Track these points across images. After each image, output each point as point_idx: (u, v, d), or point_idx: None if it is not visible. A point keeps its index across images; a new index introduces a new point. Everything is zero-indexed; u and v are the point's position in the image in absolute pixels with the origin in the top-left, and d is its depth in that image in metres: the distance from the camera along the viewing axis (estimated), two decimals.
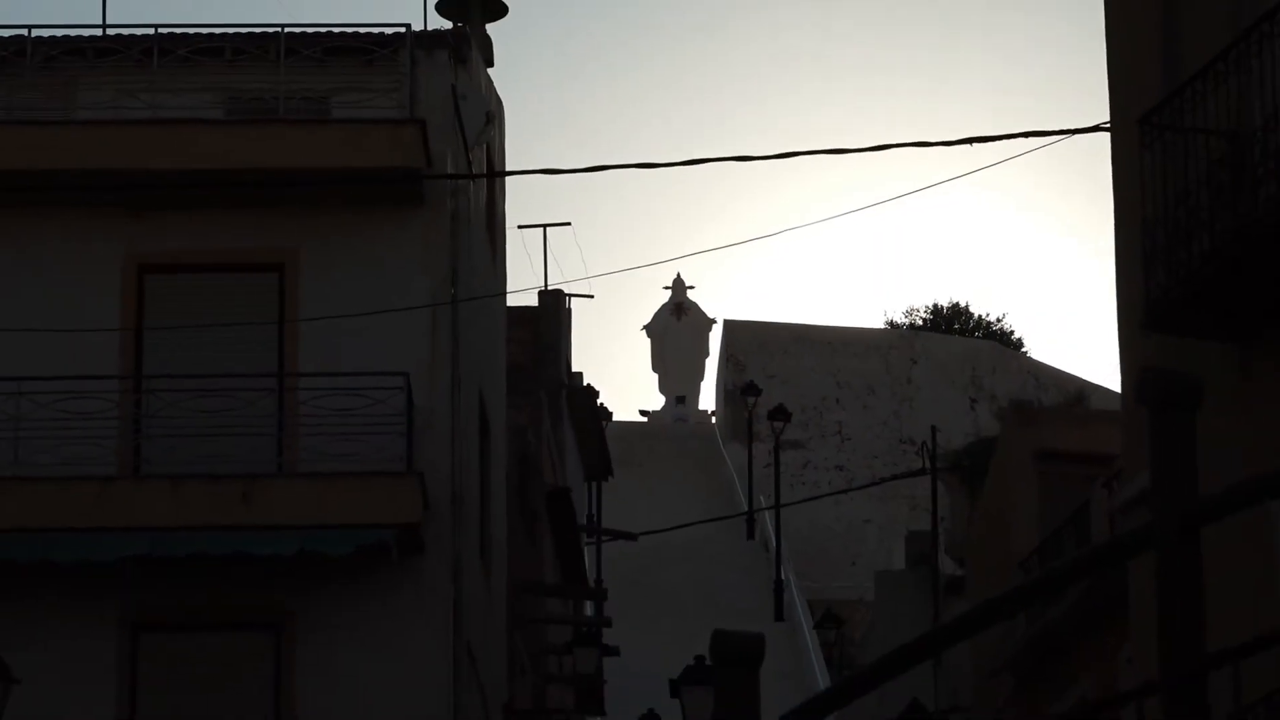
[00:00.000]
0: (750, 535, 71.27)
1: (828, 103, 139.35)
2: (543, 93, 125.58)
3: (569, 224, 75.88)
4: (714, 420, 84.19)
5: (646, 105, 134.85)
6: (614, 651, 49.17)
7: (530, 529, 48.08)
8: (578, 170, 35.80)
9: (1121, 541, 8.74)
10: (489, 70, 41.63)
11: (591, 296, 64.03)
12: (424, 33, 37.95)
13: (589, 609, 51.41)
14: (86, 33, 37.84)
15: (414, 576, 34.72)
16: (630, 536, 56.00)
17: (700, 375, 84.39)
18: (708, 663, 10.85)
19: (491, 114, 41.55)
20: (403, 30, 37.35)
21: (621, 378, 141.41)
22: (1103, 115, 26.02)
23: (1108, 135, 25.56)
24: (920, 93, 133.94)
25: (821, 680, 57.32)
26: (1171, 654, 6.20)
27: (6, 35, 37.65)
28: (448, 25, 38.35)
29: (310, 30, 37.79)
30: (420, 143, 35.80)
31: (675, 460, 74.71)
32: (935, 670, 45.45)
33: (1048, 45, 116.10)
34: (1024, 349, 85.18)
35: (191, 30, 38.16)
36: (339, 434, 34.70)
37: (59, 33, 37.92)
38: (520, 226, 70.40)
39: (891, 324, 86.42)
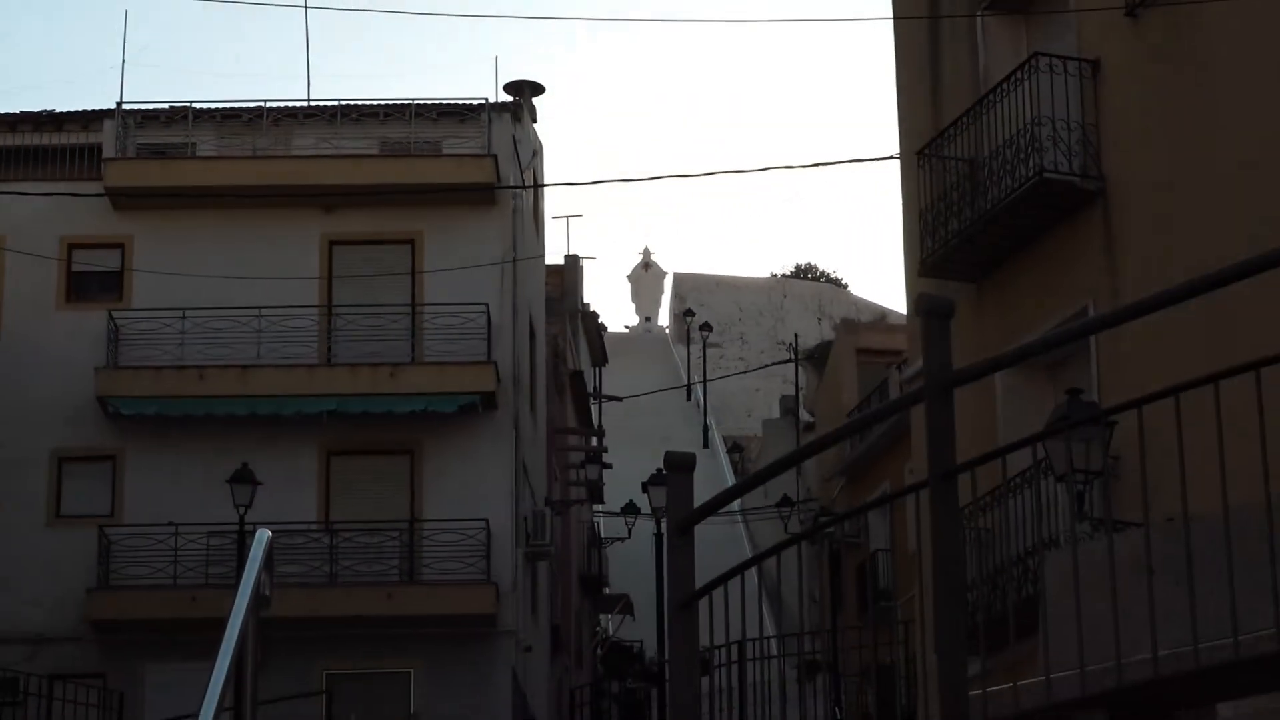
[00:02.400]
0: (688, 399, 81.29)
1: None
2: (569, 137, 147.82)
3: (581, 215, 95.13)
4: (667, 331, 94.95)
5: (631, 151, 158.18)
6: (608, 466, 54.44)
7: (559, 394, 51.75)
8: (587, 183, 42.26)
9: (905, 399, 11.73)
10: (534, 124, 45.53)
11: (594, 258, 75.00)
12: (497, 103, 43.30)
13: (594, 441, 56.12)
14: (296, 104, 43.91)
15: (491, 423, 40.83)
16: (618, 399, 63.50)
17: (659, 305, 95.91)
18: (663, 471, 9.99)
19: (535, 151, 46.43)
20: (484, 101, 43.20)
21: (613, 306, 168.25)
22: (895, 148, 29.12)
23: (898, 161, 28.78)
24: (796, 126, 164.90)
25: (729, 482, 63.13)
26: (933, 465, 7.28)
27: (252, 105, 43.51)
28: (509, 98, 44.08)
29: (430, 101, 43.91)
30: (494, 168, 41.20)
31: (644, 355, 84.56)
32: (797, 476, 50.64)
33: (872, 99, 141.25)
34: (847, 287, 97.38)
35: (360, 101, 43.95)
36: (448, 338, 40.67)
37: (283, 104, 44.03)
38: (554, 217, 74.31)
39: (772, 274, 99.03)
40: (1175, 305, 6.83)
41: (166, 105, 43.79)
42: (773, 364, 77.89)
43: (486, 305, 41.21)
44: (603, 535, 59.38)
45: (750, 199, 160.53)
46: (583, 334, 61.63)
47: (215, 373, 40.18)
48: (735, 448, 75.32)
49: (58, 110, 43.20)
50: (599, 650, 57.57)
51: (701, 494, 8.69)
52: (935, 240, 26.00)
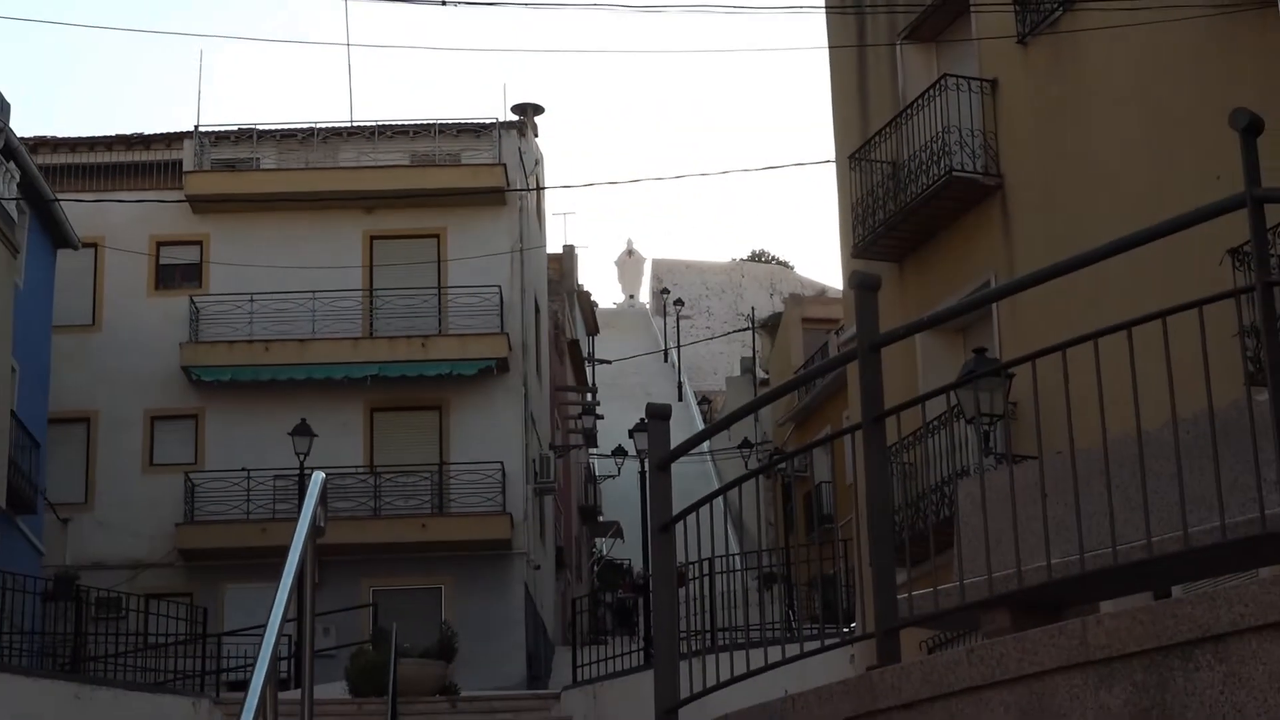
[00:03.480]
0: (665, 361, 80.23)
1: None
2: (565, 145, 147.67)
3: (575, 212, 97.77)
4: (647, 306, 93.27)
5: (616, 156, 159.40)
6: (600, 416, 54.61)
7: (560, 358, 51.50)
8: (580, 186, 41.73)
9: (842, 357, 12.34)
10: (536, 138, 44.96)
11: (587, 247, 75.77)
12: (505, 122, 43.40)
13: (589, 397, 55.74)
14: (341, 125, 43.92)
15: (505, 383, 40.80)
16: (608, 362, 63.10)
17: (640, 284, 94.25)
18: (646, 419, 8.60)
19: (537, 160, 45.78)
20: (495, 120, 43.28)
21: (602, 286, 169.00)
22: (832, 153, 28.45)
23: (834, 164, 28.18)
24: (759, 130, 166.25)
25: (700, 428, 58.89)
26: (865, 411, 7.26)
27: (304, 126, 43.49)
28: (515, 117, 44.19)
29: (450, 121, 43.83)
30: (503, 175, 41.20)
31: (628, 326, 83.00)
32: (755, 422, 50.51)
33: (813, 110, 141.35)
34: (794, 268, 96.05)
35: (392, 121, 43.88)
36: (468, 314, 40.71)
37: (330, 125, 43.87)
38: (553, 214, 71.09)
39: (732, 259, 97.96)
40: (1060, 276, 6.86)
41: (235, 127, 43.82)
42: (733, 332, 78.29)
43: (499, 287, 41.25)
44: (597, 473, 59.39)
45: (714, 196, 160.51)
46: (578, 309, 61.57)
47: (278, 345, 40.36)
48: (704, 400, 75.32)
49: (145, 133, 43.22)
50: (595, 567, 57.62)
51: (677, 437, 8.69)
52: (864, 228, 25.91)
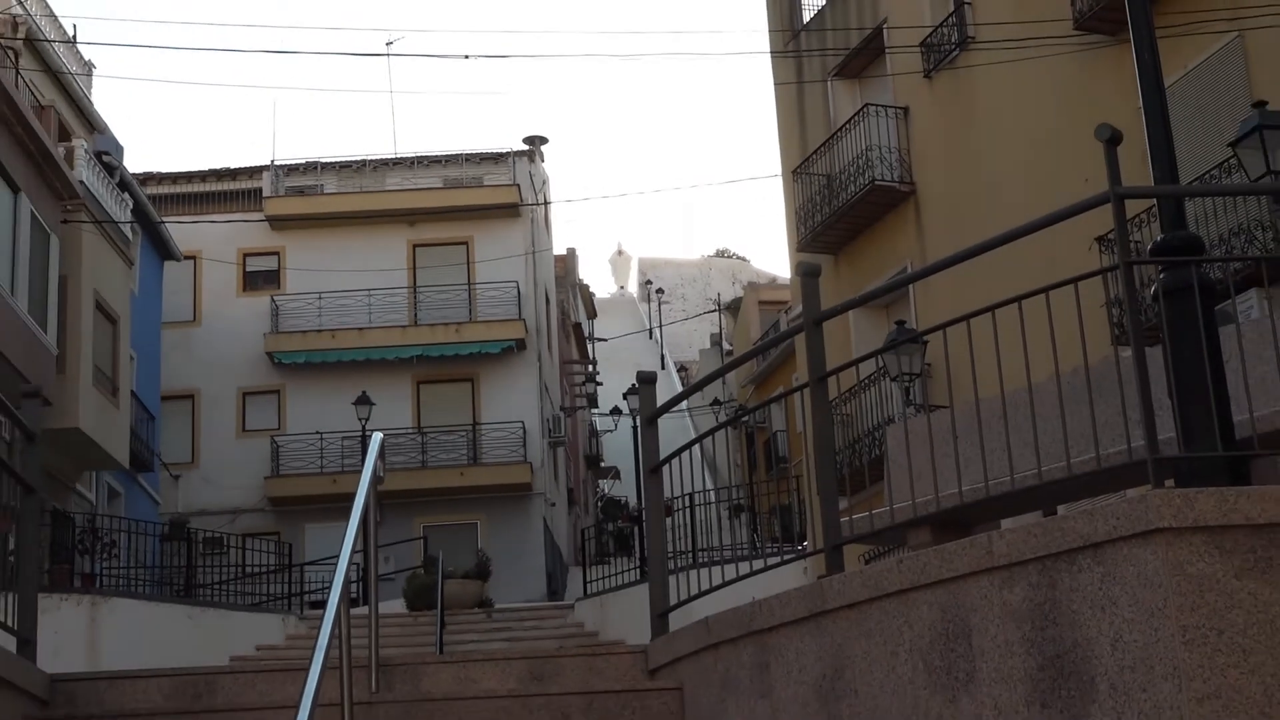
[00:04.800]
0: (650, 338, 79.08)
1: None
2: (566, 168, 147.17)
3: (574, 221, 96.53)
4: (635, 294, 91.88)
5: (609, 171, 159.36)
6: (600, 383, 54.49)
7: (566, 338, 51.14)
8: (580, 200, 41.81)
9: (791, 330, 10.74)
10: (543, 163, 44.78)
11: (585, 248, 74.92)
12: (518, 150, 43.15)
13: (590, 368, 55.54)
14: (386, 156, 43.63)
15: (523, 358, 40.52)
16: (604, 340, 62.70)
17: (629, 278, 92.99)
18: (636, 384, 8.18)
19: (544, 180, 45.56)
20: (510, 150, 43.10)
21: (599, 280, 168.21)
22: (779, 168, 27.97)
23: (780, 178, 27.84)
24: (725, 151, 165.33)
25: (679, 390, 72.47)
26: (811, 372, 7.09)
27: (358, 158, 43.26)
28: (526, 146, 43.74)
29: (474, 151, 43.44)
30: (518, 193, 41.03)
31: (620, 310, 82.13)
32: (723, 384, 50.56)
33: (766, 132, 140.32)
34: (751, 262, 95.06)
35: (428, 153, 43.52)
36: (492, 305, 40.47)
37: (378, 157, 43.68)
38: (559, 223, 73.60)
39: (702, 255, 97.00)
40: (963, 262, 6.75)
41: (303, 160, 43.54)
42: (703, 313, 77.91)
43: (516, 282, 41.10)
44: (598, 429, 59.11)
45: (686, 205, 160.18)
46: (579, 299, 61.20)
47: (341, 333, 40.13)
48: (682, 368, 74.85)
49: (231, 166, 43.02)
50: (598, 503, 57.43)
51: (661, 398, 8.62)
52: (806, 228, 25.75)
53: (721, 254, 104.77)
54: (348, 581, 6.05)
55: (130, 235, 32.83)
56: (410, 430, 39.70)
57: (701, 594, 8.05)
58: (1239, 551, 5.12)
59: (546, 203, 45.57)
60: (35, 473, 7.66)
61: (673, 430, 41.00)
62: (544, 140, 44.95)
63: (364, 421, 34.95)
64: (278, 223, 41.40)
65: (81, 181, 28.08)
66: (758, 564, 8.00)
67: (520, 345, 40.50)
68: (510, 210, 41.57)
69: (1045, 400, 6.97)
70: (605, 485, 60.17)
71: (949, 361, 16.20)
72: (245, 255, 41.60)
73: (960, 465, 7.00)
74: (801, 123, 27.13)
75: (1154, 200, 5.62)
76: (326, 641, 5.35)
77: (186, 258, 39.27)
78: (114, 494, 32.07)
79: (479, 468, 39.66)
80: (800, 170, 26.05)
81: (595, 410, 57.86)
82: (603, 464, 59.19)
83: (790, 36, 27.39)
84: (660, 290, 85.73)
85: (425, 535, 37.01)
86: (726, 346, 63.68)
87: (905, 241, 23.77)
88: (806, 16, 27.24)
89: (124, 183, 32.19)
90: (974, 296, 7.82)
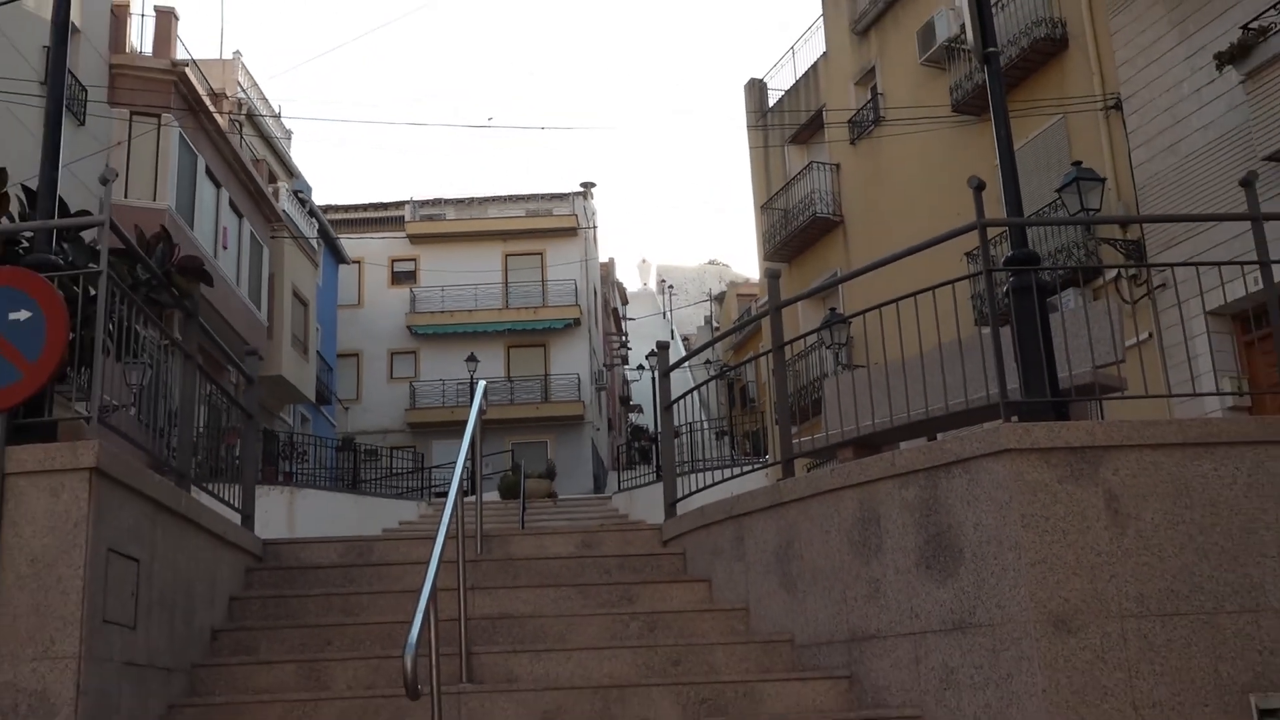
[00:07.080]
0: (664, 319, 76.57)
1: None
2: (609, 203, 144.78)
3: (614, 237, 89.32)
4: (654, 289, 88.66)
5: (634, 202, 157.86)
6: (630, 348, 53.50)
7: (608, 318, 49.88)
8: (617, 226, 38.40)
9: (760, 314, 12.36)
10: (592, 200, 42.91)
11: (619, 258, 74.11)
12: (575, 191, 42.10)
13: (624, 338, 53.49)
14: (487, 194, 42.19)
15: (579, 332, 39.33)
16: (634, 319, 61.95)
17: (650, 278, 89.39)
18: (655, 350, 7.53)
19: (594, 210, 43.37)
20: (570, 191, 42.10)
21: (629, 279, 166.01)
22: (752, 203, 26.92)
23: (754, 210, 26.55)
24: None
25: (683, 353, 70.76)
26: (774, 342, 6.72)
27: (468, 195, 41.57)
28: (581, 189, 42.76)
29: (545, 192, 42.30)
30: (576, 221, 39.91)
31: (644, 300, 79.00)
32: (713, 350, 47.21)
33: (743, 177, 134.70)
34: (732, 268, 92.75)
35: (516, 193, 42.00)
36: (558, 295, 39.45)
37: (482, 195, 42.38)
38: (603, 240, 71.79)
39: (699, 263, 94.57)
40: (875, 269, 6.60)
41: (431, 197, 42.50)
42: (700, 302, 75.67)
43: (574, 280, 40.14)
44: (628, 379, 58.16)
45: (690, 227, 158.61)
46: (616, 292, 60.10)
47: (458, 313, 39.28)
48: (685, 339, 74.25)
49: (384, 200, 42.06)
50: (628, 429, 56.93)
51: (671, 359, 8.58)
52: (771, 244, 25.12)
53: (713, 262, 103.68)
54: (461, 479, 5.98)
55: (316, 246, 32.60)
56: (503, 379, 38.78)
57: (699, 490, 7.98)
58: (1060, 465, 5.12)
59: (595, 227, 44.80)
60: (253, 405, 7.70)
61: (679, 381, 41.00)
62: (593, 184, 44.14)
63: (472, 373, 34.52)
64: (415, 239, 40.46)
65: (283, 210, 28.09)
66: (736, 471, 7.93)
67: (577, 323, 39.68)
68: (570, 232, 40.56)
69: (931, 361, 6.87)
70: (633, 417, 59.38)
71: (866, 336, 15.99)
72: (393, 260, 40.62)
73: (873, 405, 6.95)
74: (767, 173, 26.66)
75: (1006, 227, 5.62)
76: (448, 519, 5.32)
77: (354, 262, 38.67)
78: (304, 419, 31.84)
79: (548, 404, 38.74)
80: (767, 205, 25.61)
81: (627, 366, 57.04)
82: (631, 402, 58.30)
83: (760, 116, 27.01)
84: (671, 286, 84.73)
85: (512, 449, 36.52)
86: (715, 325, 62.33)
87: (836, 255, 23.38)
88: (772, 100, 26.83)
89: (312, 211, 32.02)
90: (884, 292, 7.78)
